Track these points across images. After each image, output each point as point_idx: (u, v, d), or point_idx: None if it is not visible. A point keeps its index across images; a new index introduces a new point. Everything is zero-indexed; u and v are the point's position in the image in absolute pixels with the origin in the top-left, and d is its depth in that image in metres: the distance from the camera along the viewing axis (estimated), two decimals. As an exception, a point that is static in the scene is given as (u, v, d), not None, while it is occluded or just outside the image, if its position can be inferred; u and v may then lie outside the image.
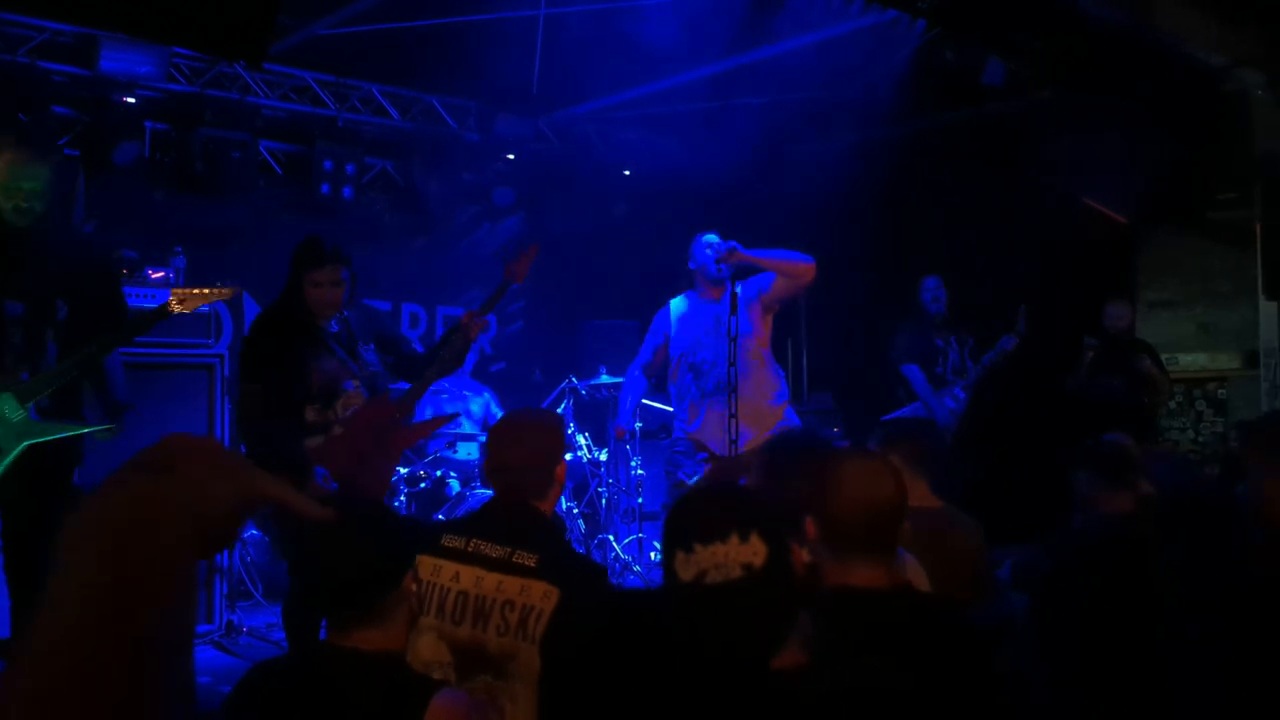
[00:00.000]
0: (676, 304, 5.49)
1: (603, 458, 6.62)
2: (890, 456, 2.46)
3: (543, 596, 2.42)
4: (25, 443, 3.49)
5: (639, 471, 6.66)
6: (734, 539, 1.64)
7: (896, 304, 6.86)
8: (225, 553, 5.57)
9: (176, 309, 3.80)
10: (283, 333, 4.06)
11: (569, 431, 6.47)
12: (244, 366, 4.08)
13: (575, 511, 6.36)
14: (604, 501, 6.71)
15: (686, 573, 1.65)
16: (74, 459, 3.79)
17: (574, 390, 6.70)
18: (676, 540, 1.69)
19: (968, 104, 7.04)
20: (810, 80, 6.80)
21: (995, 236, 7.15)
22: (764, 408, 5.14)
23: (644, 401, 6.80)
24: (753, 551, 1.64)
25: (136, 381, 5.26)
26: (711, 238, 5.21)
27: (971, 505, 3.54)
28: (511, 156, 7.90)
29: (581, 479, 6.59)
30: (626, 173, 8.41)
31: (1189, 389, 7.59)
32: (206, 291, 3.88)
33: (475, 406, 6.69)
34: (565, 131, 8.00)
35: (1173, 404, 7.50)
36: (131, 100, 6.25)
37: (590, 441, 6.59)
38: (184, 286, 4.01)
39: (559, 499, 2.79)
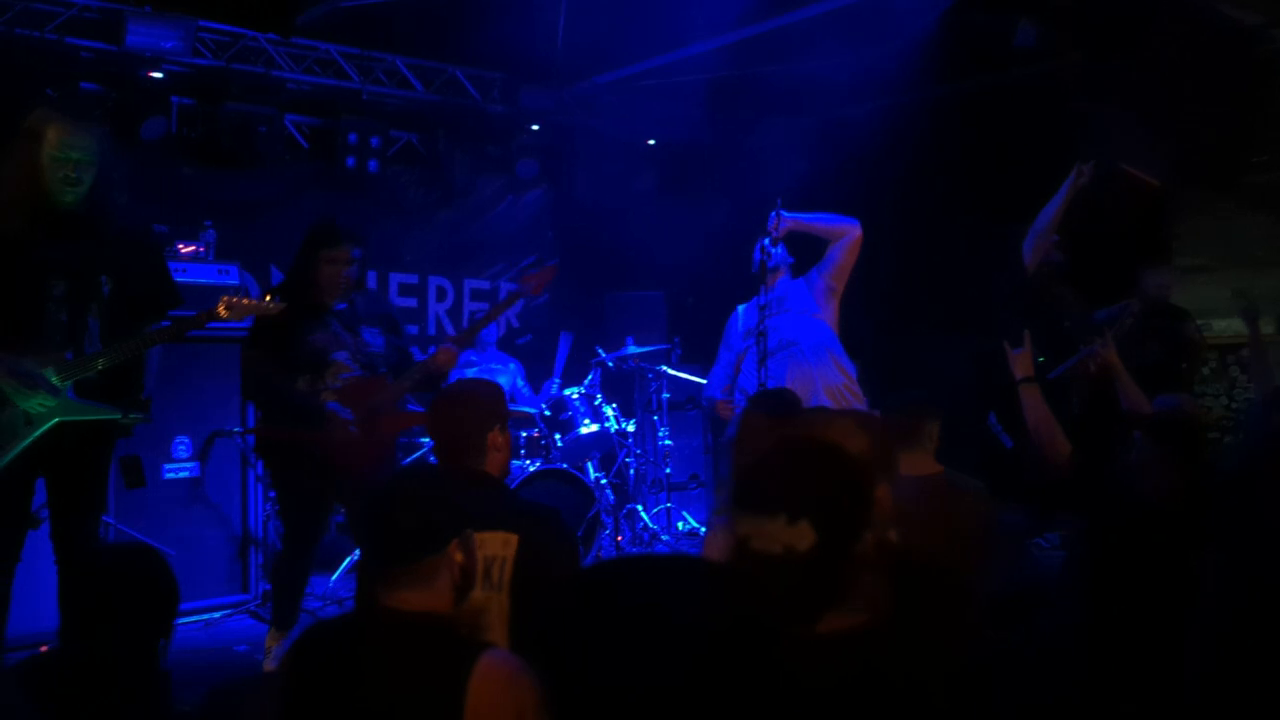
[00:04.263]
0: (742, 311, 5.29)
1: (630, 429, 6.63)
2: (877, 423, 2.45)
3: (503, 544, 2.50)
4: (55, 419, 3.50)
5: (667, 442, 6.66)
6: (781, 519, 1.62)
7: (924, 272, 6.82)
8: (258, 526, 5.63)
9: (224, 315, 3.83)
10: (287, 306, 4.17)
11: (596, 403, 6.48)
12: (249, 333, 4.35)
13: (604, 482, 6.38)
14: (632, 472, 6.72)
15: (739, 530, 1.66)
16: (113, 436, 3.83)
17: (601, 362, 6.71)
18: (736, 499, 1.70)
19: (998, 68, 6.94)
20: (837, 47, 6.73)
21: (1026, 203, 7.08)
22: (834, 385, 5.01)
23: (671, 372, 6.81)
24: (799, 536, 1.61)
25: (175, 355, 5.33)
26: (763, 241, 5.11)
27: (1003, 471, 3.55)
28: (536, 128, 7.86)
29: (609, 449, 6.60)
30: (651, 143, 8.37)
31: (1223, 355, 7.52)
32: (253, 303, 3.92)
33: (503, 380, 6.72)
34: (589, 102, 7.95)
35: (1206, 370, 7.44)
36: (158, 75, 6.26)
37: (618, 412, 6.60)
38: (233, 295, 4.02)
39: (505, 463, 2.90)
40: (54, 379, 3.51)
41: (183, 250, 5.49)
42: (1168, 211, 7.49)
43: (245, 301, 3.89)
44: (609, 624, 1.82)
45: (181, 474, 5.43)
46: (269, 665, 4.28)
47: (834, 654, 1.64)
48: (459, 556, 2.07)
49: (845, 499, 1.67)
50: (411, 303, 7.88)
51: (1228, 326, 7.41)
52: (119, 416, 3.68)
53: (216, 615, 5.40)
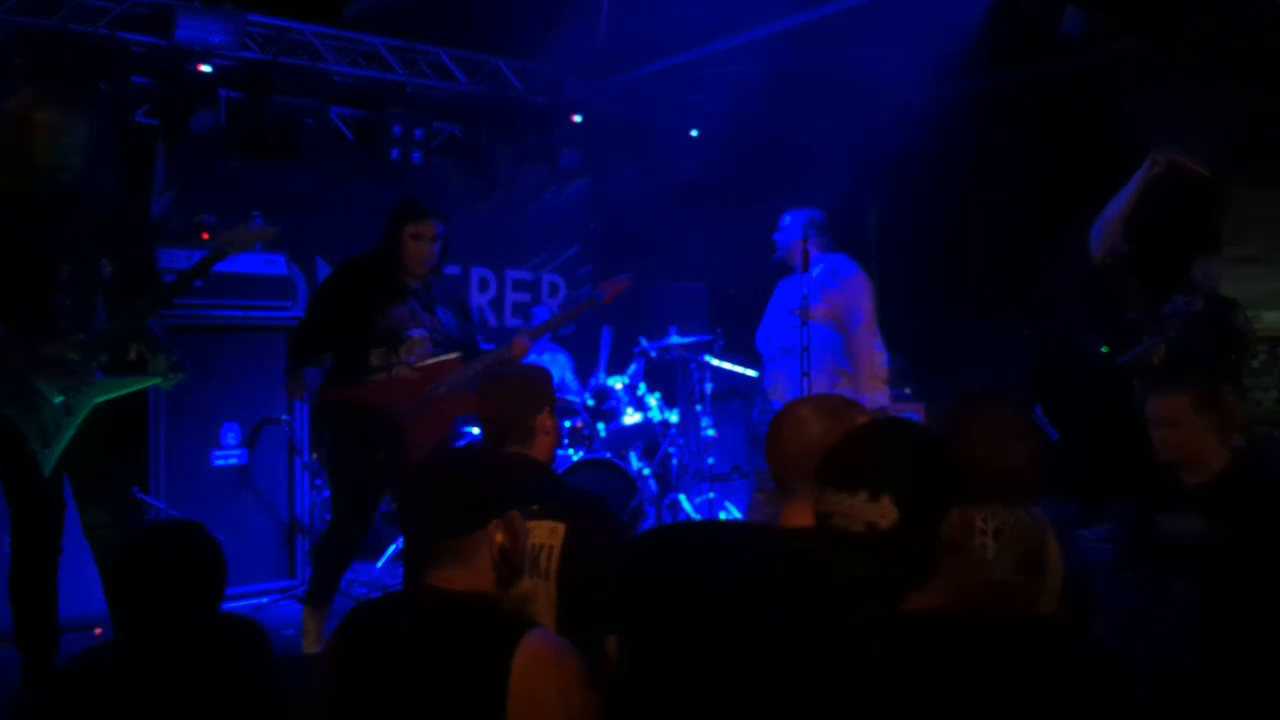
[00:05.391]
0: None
1: (673, 419, 6.64)
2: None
3: (550, 533, 2.52)
4: (96, 399, 3.49)
5: (710, 433, 6.66)
6: (862, 495, 1.62)
7: (972, 264, 6.76)
8: (305, 513, 5.70)
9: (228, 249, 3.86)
10: (362, 278, 4.35)
11: (639, 392, 6.50)
12: (317, 293, 4.54)
13: (647, 472, 6.40)
14: (675, 462, 6.73)
15: (820, 507, 1.66)
16: (132, 417, 3.84)
17: (644, 353, 6.72)
18: (818, 475, 1.71)
19: (1045, 57, 6.86)
20: (883, 36, 6.69)
21: (1074, 192, 7.00)
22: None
23: (715, 363, 6.82)
24: (880, 513, 1.61)
25: (215, 343, 5.42)
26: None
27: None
28: (578, 119, 7.88)
29: (652, 439, 6.61)
30: (694, 134, 8.36)
31: (1273, 348, 7.39)
32: (248, 232, 4.03)
33: (553, 371, 6.75)
34: (631, 93, 7.96)
35: (1255, 363, 7.31)
36: (207, 69, 6.35)
37: (661, 402, 6.61)
38: (224, 232, 4.10)
39: (553, 448, 2.93)
40: (76, 360, 3.49)
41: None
42: (1218, 201, 7.37)
43: (241, 235, 3.97)
44: (679, 593, 1.83)
45: (230, 461, 5.51)
46: (309, 647, 4.32)
47: (916, 634, 1.63)
48: (499, 536, 2.06)
49: (929, 475, 1.67)
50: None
51: (1277, 319, 7.29)
52: (158, 380, 3.68)
53: (264, 600, 5.48)
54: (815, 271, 5.11)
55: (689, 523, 5.94)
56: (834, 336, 5.08)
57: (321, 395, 4.44)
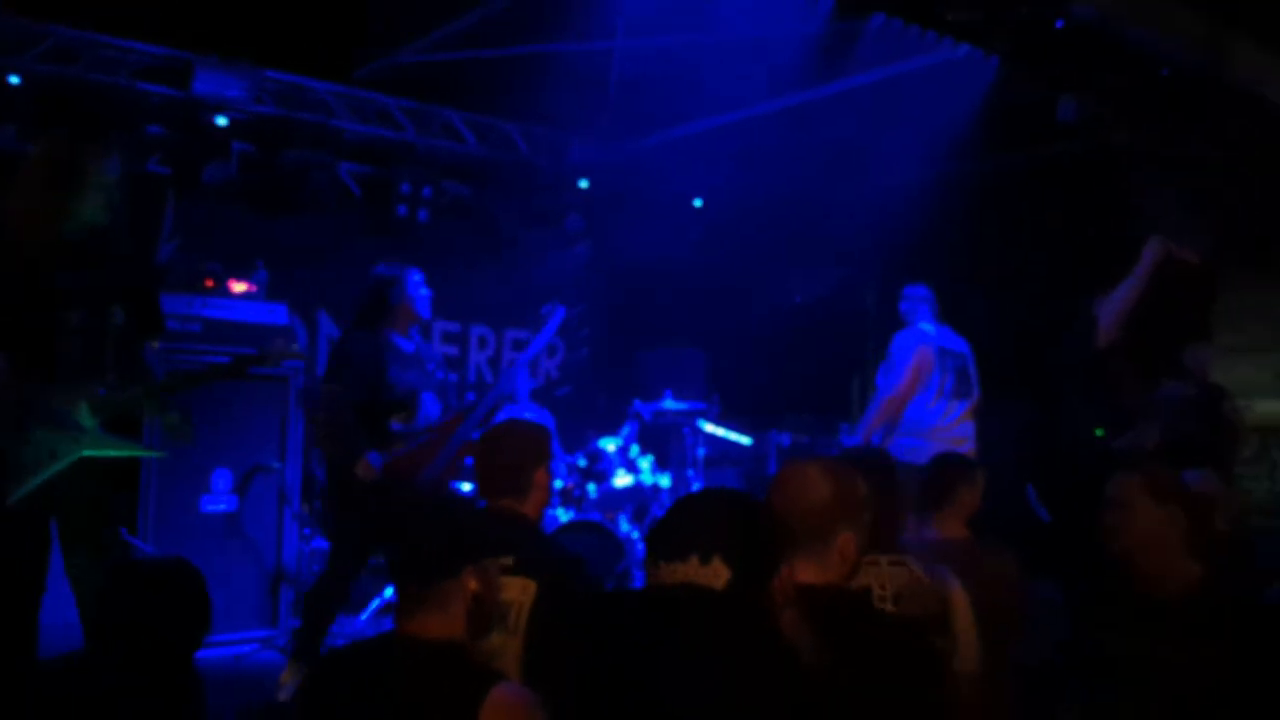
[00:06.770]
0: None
1: (665, 483, 6.65)
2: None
3: (521, 590, 2.55)
4: (82, 452, 3.47)
5: (700, 498, 6.66)
6: (694, 560, 1.68)
7: (970, 343, 6.81)
8: (292, 562, 5.71)
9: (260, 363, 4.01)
10: (374, 342, 4.56)
11: (631, 455, 6.53)
12: (330, 367, 4.65)
13: (636, 535, 6.40)
14: (664, 527, 6.72)
15: (654, 580, 1.74)
16: (124, 477, 3.89)
17: (637, 414, 6.75)
18: (648, 551, 1.80)
19: (1041, 143, 7.00)
20: (882, 117, 6.83)
21: (1065, 279, 7.08)
22: None
23: (709, 429, 6.85)
24: (713, 575, 1.68)
25: (217, 389, 5.46)
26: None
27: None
28: (584, 184, 8.02)
29: (642, 503, 6.62)
30: (698, 204, 8.48)
31: (1264, 438, 7.41)
32: (284, 351, 4.19)
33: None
34: (637, 161, 8.10)
35: (1248, 453, 7.33)
36: (222, 121, 6.49)
37: (654, 465, 6.63)
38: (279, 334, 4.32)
39: (545, 503, 2.95)
40: (86, 415, 3.49)
41: (234, 288, 5.65)
42: (1211, 289, 7.45)
43: (277, 353, 4.09)
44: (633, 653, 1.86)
45: (220, 507, 5.53)
46: (281, 696, 4.31)
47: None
48: (473, 584, 2.10)
49: (754, 534, 1.79)
50: (453, 350, 8.00)
51: (1270, 408, 7.32)
52: (148, 454, 3.71)
53: (245, 649, 5.45)
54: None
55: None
56: None
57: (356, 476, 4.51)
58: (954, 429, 5.79)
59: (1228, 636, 2.53)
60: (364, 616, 6.02)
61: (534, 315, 8.46)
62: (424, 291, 4.79)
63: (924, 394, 5.77)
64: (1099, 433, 7.11)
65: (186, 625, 2.24)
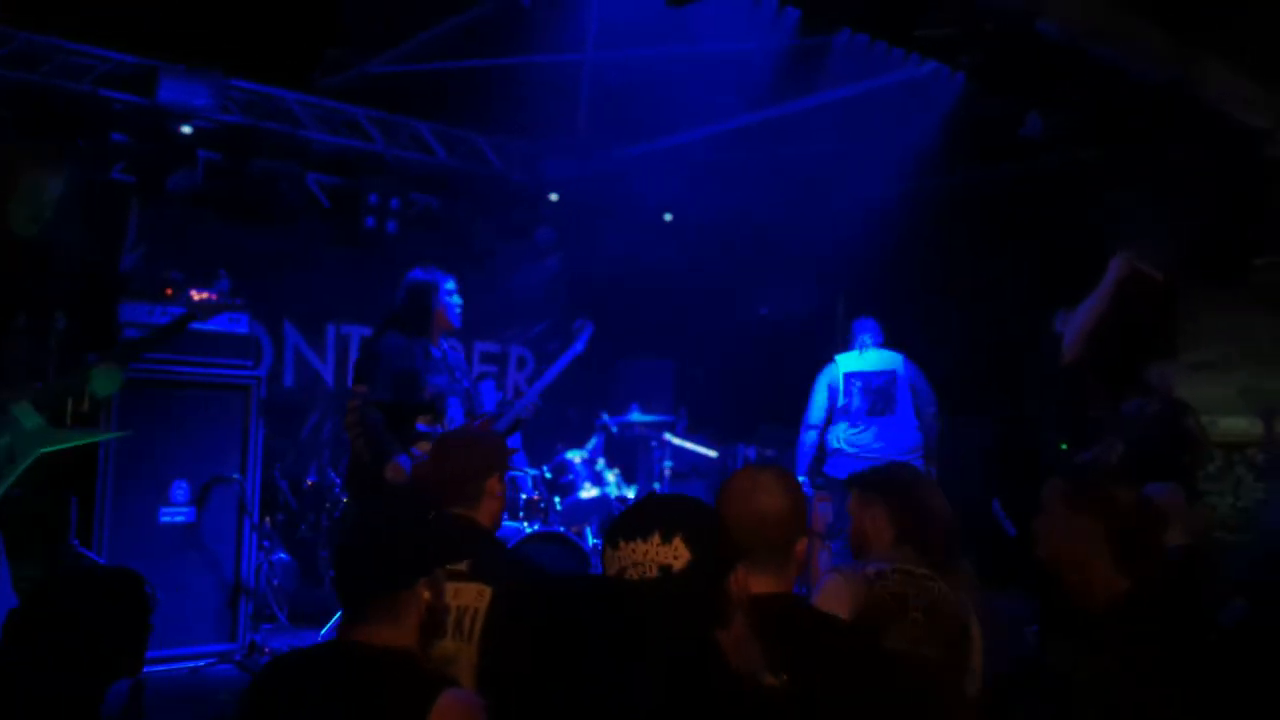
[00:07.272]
0: None
1: (630, 495, 6.63)
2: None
3: (476, 596, 2.55)
4: (40, 449, 3.49)
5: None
6: (655, 538, 1.69)
7: (937, 357, 6.84)
8: (252, 575, 5.64)
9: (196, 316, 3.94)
10: (406, 343, 4.72)
11: (598, 467, 6.50)
12: (360, 366, 4.75)
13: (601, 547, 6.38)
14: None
15: (611, 568, 1.71)
16: (78, 469, 3.84)
17: (605, 427, 6.74)
18: (607, 537, 1.80)
19: (1006, 158, 7.05)
20: (851, 132, 6.86)
21: (1032, 293, 7.13)
22: None
23: (676, 442, 6.84)
24: (673, 554, 1.69)
25: (172, 397, 5.40)
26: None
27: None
28: (555, 197, 8.00)
29: (608, 515, 6.59)
30: (668, 217, 8.49)
31: (1228, 454, 7.46)
32: (219, 303, 4.12)
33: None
34: (608, 174, 8.10)
35: (1212, 469, 7.38)
36: (188, 130, 6.44)
37: (620, 478, 6.61)
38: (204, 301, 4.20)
39: (498, 512, 2.96)
40: (28, 413, 3.48)
41: (195, 297, 5.58)
42: (1175, 306, 7.51)
43: (211, 302, 4.02)
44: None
45: (178, 518, 5.45)
46: None
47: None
48: (426, 595, 2.08)
49: (716, 524, 1.84)
50: (421, 363, 7.96)
51: (1234, 425, 7.37)
52: (105, 438, 3.69)
53: (201, 663, 5.38)
54: None
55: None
56: None
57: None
58: (870, 445, 6.28)
59: (1150, 655, 2.42)
60: (325, 630, 5.95)
61: (503, 327, 8.49)
62: (456, 300, 4.94)
63: (840, 416, 6.30)
64: (1063, 446, 7.15)
65: (119, 634, 2.19)
